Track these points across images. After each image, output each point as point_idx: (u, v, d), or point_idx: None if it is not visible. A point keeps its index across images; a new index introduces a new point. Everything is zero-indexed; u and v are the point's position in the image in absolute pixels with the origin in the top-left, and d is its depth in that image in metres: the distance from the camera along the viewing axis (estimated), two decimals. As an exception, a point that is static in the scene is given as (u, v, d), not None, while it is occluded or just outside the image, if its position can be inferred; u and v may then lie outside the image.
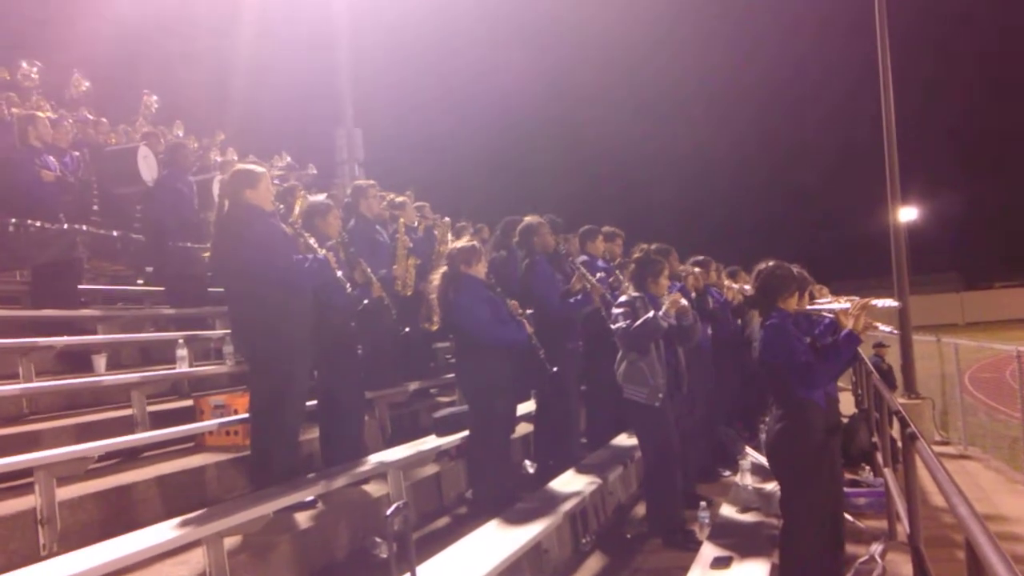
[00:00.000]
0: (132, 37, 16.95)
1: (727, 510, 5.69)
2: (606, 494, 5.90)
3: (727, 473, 7.05)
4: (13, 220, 7.03)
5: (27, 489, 4.17)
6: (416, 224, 8.03)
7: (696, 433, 6.02)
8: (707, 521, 5.46)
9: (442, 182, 15.50)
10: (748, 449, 7.27)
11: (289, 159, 12.41)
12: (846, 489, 5.89)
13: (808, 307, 4.84)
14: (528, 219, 6.70)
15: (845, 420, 7.05)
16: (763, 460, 6.53)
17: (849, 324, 4.20)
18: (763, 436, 7.03)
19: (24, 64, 10.07)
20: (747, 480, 6.11)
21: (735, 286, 6.93)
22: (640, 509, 6.07)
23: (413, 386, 7.18)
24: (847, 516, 5.50)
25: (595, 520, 5.69)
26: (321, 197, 8.05)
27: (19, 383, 5.66)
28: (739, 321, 7.51)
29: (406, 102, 18.83)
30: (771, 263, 4.69)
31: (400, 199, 7.97)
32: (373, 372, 6.15)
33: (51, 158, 7.44)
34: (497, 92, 19.07)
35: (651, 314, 4.96)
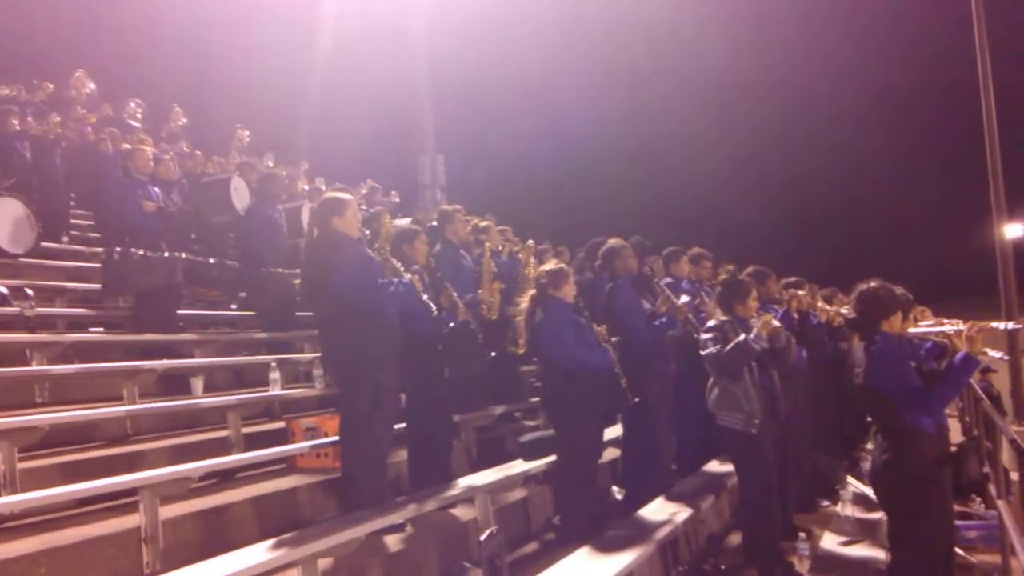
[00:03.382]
0: (217, 70, 17.73)
1: (829, 542, 5.43)
2: (698, 523, 5.71)
3: (826, 503, 6.73)
4: (118, 249, 7.38)
5: (130, 508, 4.32)
6: (500, 248, 8.05)
7: (794, 461, 5.78)
8: (807, 553, 5.21)
9: (523, 206, 15.52)
10: (849, 478, 6.94)
11: (375, 184, 12.69)
12: (956, 522, 5.54)
13: (913, 330, 4.61)
14: (611, 242, 6.62)
15: (954, 449, 6.65)
16: (865, 490, 6.22)
17: (965, 347, 3.96)
18: (865, 465, 6.71)
19: (132, 104, 10.66)
20: (849, 511, 5.83)
21: (830, 308, 6.66)
22: (734, 539, 5.86)
23: (499, 410, 7.16)
24: (957, 550, 5.17)
25: (687, 550, 5.51)
26: (405, 222, 8.19)
27: (124, 405, 5.89)
28: (844, 345, 7.20)
29: (487, 126, 19.01)
30: (873, 284, 4.49)
31: (483, 223, 8.02)
32: (459, 396, 6.15)
33: (153, 189, 7.79)
34: (578, 115, 19.09)
35: (742, 337, 4.80)
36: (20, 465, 4.55)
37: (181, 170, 9.92)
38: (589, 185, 19.20)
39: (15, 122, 9.27)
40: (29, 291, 7.00)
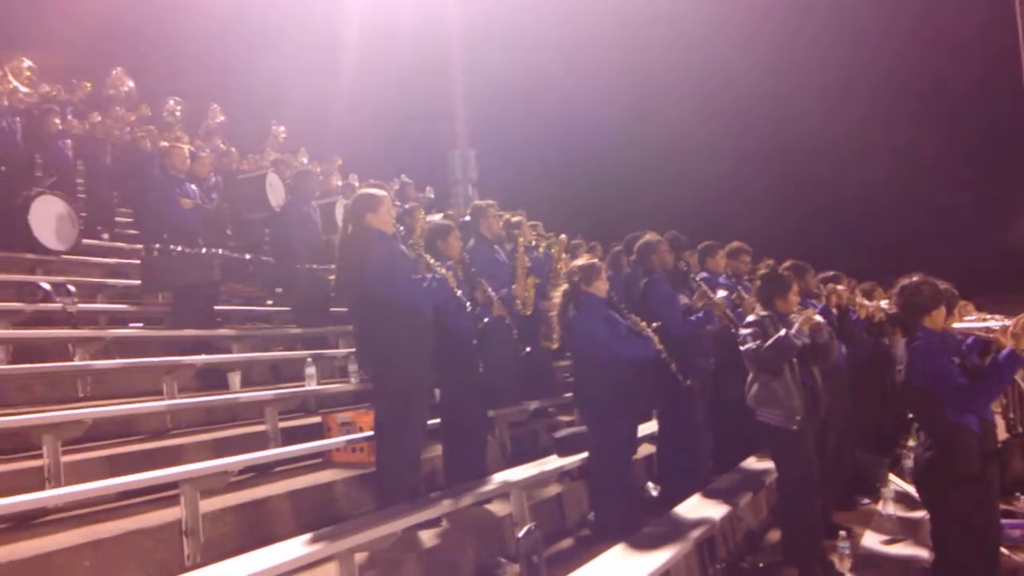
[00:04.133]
0: (251, 67, 17.91)
1: (870, 540, 5.33)
2: (736, 520, 5.65)
3: (865, 501, 6.62)
4: (157, 245, 7.50)
5: (170, 501, 4.38)
6: (534, 243, 8.03)
7: (834, 458, 5.68)
8: (847, 552, 5.13)
9: (555, 200, 15.44)
10: (891, 476, 6.81)
11: (407, 179, 12.72)
12: (1002, 520, 5.41)
13: (957, 325, 4.50)
14: (646, 237, 6.56)
15: (999, 446, 6.50)
16: (907, 487, 6.11)
17: (1010, 343, 3.86)
18: (906, 462, 6.59)
19: (171, 102, 10.80)
20: (891, 509, 5.72)
21: (869, 304, 6.53)
22: (773, 537, 5.78)
23: (533, 405, 7.15)
24: (1003, 549, 5.05)
25: (724, 548, 5.45)
26: (438, 217, 8.21)
27: (164, 399, 5.98)
28: (885, 341, 7.06)
29: (517, 121, 18.92)
30: (915, 278, 4.39)
31: (515, 218, 8.00)
32: (494, 391, 6.15)
33: (191, 186, 7.89)
34: (610, 108, 18.96)
35: (783, 333, 4.71)
36: (64, 458, 4.64)
37: (217, 167, 10.05)
38: (622, 179, 19.02)
39: (57, 121, 9.44)
40: (71, 287, 7.13)
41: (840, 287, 6.28)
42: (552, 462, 5.79)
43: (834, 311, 5.95)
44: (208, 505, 4.37)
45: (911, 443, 6.60)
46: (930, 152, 18.32)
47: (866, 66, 18.12)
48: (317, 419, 6.41)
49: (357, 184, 11.55)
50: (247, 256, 8.69)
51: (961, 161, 18.36)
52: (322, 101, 17.49)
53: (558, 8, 18.44)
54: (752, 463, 6.44)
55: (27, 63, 9.62)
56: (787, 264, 5.81)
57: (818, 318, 4.77)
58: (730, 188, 18.64)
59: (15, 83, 9.29)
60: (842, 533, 5.26)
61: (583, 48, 18.87)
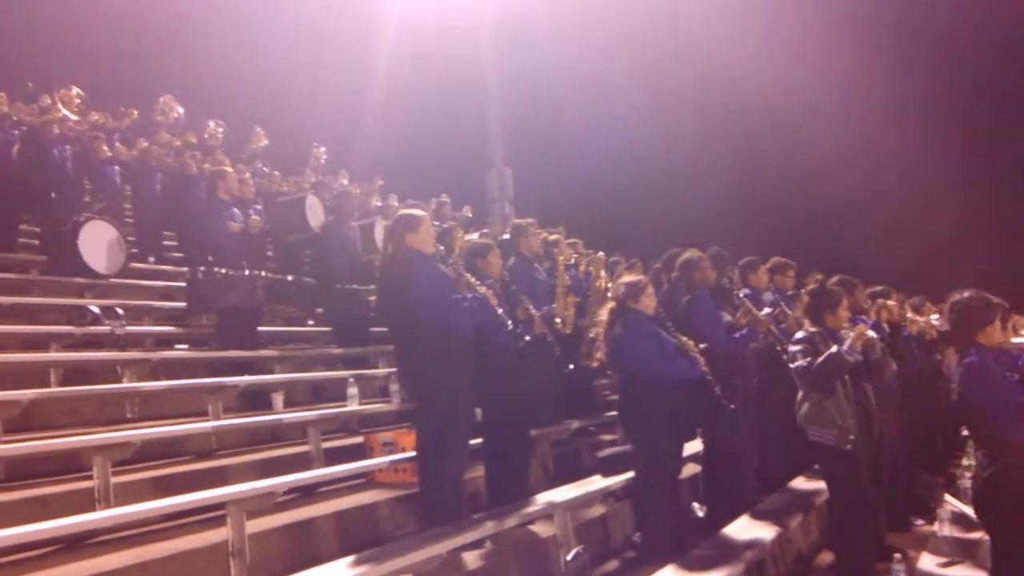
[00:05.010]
0: (291, 89, 18.24)
1: (927, 563, 5.16)
2: (785, 542, 5.52)
3: (920, 522, 6.42)
4: (202, 268, 7.63)
5: (216, 522, 4.41)
6: (574, 261, 7.99)
7: (888, 478, 5.52)
8: (903, 575, 4.96)
9: (591, 217, 15.36)
10: (946, 496, 6.60)
11: (444, 199, 12.80)
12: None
13: (1017, 340, 4.37)
14: (688, 253, 6.48)
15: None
16: (964, 508, 5.91)
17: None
18: (962, 482, 6.39)
19: (211, 124, 11.03)
20: (947, 530, 5.54)
21: (920, 319, 6.37)
22: (824, 559, 5.64)
23: (574, 424, 7.09)
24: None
25: (774, 570, 5.33)
26: (474, 236, 8.21)
27: (209, 420, 6.05)
28: (938, 357, 6.88)
29: (553, 138, 18.95)
30: (967, 293, 4.27)
31: (554, 236, 7.96)
32: (536, 410, 6.11)
33: (236, 210, 8.02)
34: (645, 126, 18.87)
35: (834, 350, 4.60)
36: (113, 479, 4.70)
37: (259, 190, 10.21)
38: (658, 197, 18.86)
39: (105, 148, 9.69)
40: (119, 311, 7.27)
41: (891, 302, 6.13)
42: (596, 482, 5.71)
43: (885, 327, 5.80)
44: (254, 526, 4.38)
45: (965, 462, 6.39)
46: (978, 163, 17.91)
47: (910, 82, 17.79)
48: (359, 439, 6.41)
49: (396, 204, 11.65)
50: (289, 277, 8.79)
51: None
52: (356, 122, 17.72)
53: (593, 24, 18.48)
54: (801, 483, 6.30)
55: (76, 90, 9.90)
56: (835, 279, 5.70)
57: (871, 334, 4.66)
58: (772, 204, 18.38)
59: (65, 111, 9.56)
60: (897, 556, 5.08)
61: (619, 63, 18.86)
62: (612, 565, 5.33)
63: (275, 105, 16.60)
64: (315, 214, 9.51)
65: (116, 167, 10.05)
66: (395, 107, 18.45)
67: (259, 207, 9.05)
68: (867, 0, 18.04)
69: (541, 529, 5.28)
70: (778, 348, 5.84)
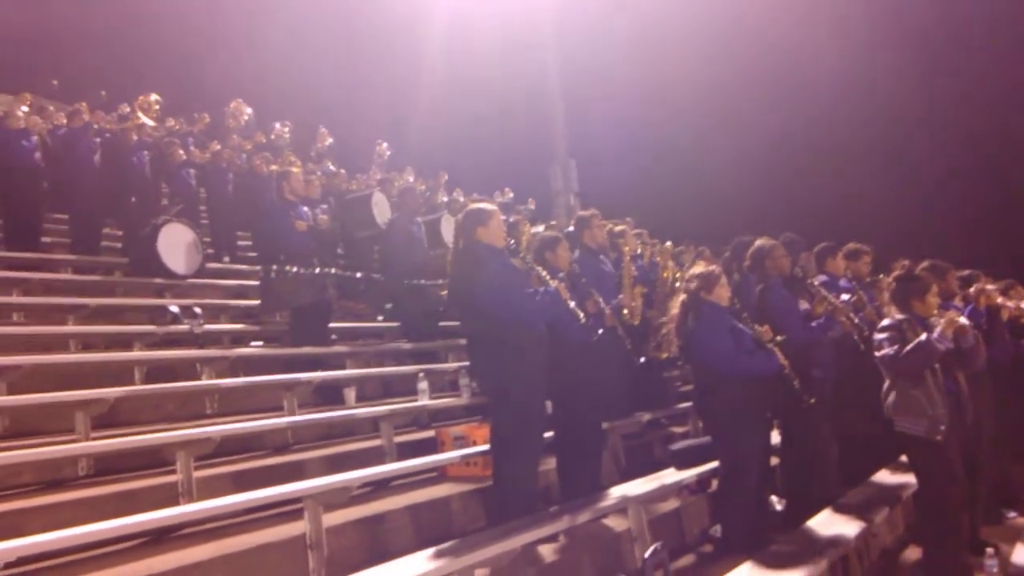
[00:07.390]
0: (358, 88, 18.53)
1: (1021, 556, 4.89)
2: (870, 537, 5.31)
3: (1012, 514, 6.12)
4: (274, 267, 7.78)
5: (293, 516, 4.48)
6: (639, 252, 7.87)
7: (981, 469, 5.26)
8: (995, 570, 4.71)
9: (658, 206, 15.11)
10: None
11: (511, 193, 12.80)
12: None
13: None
14: (760, 241, 6.28)
15: None
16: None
17: None
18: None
19: (277, 125, 11.27)
20: (1044, 524, 5.25)
21: (1011, 304, 6.02)
22: (910, 554, 5.42)
23: (646, 417, 6.99)
24: None
25: (859, 566, 5.14)
26: (539, 229, 8.16)
27: (284, 415, 6.18)
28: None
29: (617, 128, 18.72)
30: None
31: (620, 228, 7.85)
32: (607, 403, 6.03)
33: (304, 209, 8.16)
34: (708, 114, 18.48)
35: (924, 337, 4.39)
36: (195, 474, 4.83)
37: (327, 188, 10.38)
38: (722, 184, 18.45)
39: (181, 152, 10.00)
40: (198, 310, 7.49)
41: (991, 287, 5.81)
42: (670, 475, 5.62)
43: (982, 312, 5.50)
44: (330, 519, 4.44)
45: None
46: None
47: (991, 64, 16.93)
48: (430, 433, 6.46)
49: (462, 199, 11.69)
50: (358, 274, 8.91)
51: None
52: (419, 118, 17.88)
53: (655, 14, 18.19)
54: (885, 476, 6.06)
55: (154, 97, 10.24)
56: (925, 264, 5.43)
57: (963, 320, 4.42)
58: (842, 189, 17.79)
59: (144, 119, 9.90)
60: (989, 550, 4.83)
61: (681, 51, 18.49)
62: (688, 560, 5.23)
63: (332, 105, 16.89)
64: (381, 211, 9.62)
65: (191, 170, 10.36)
66: (456, 102, 18.57)
67: (324, 206, 9.18)
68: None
69: (615, 523, 5.21)
70: (856, 337, 5.62)
